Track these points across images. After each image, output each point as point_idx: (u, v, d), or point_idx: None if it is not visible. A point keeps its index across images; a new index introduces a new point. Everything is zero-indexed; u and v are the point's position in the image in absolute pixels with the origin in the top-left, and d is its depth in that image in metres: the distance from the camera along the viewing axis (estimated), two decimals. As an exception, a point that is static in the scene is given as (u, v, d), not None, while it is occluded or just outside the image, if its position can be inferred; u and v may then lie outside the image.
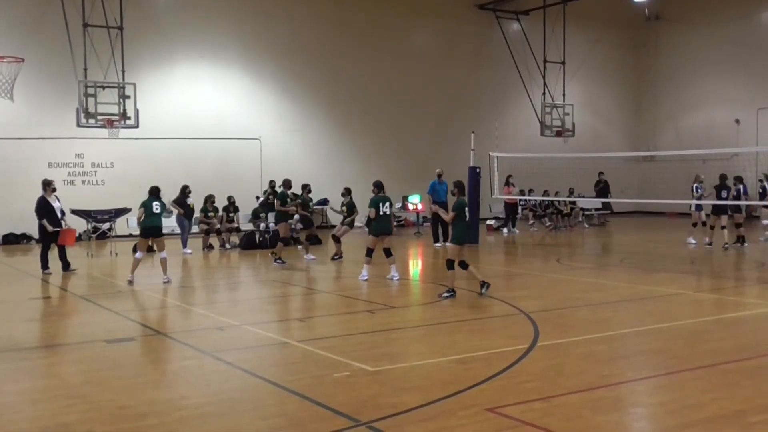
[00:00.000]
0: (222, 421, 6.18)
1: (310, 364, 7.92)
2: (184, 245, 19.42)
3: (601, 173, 28.08)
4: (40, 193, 15.58)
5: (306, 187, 18.28)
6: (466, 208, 12.07)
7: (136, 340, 9.30)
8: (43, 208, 15.31)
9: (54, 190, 15.72)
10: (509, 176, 24.48)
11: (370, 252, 13.93)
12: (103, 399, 6.77)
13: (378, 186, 14.25)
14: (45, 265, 15.37)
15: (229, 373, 7.65)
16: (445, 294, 11.81)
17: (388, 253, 13.77)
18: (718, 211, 18.96)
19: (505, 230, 24.48)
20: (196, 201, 20.57)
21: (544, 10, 29.15)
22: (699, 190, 19.75)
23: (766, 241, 20.21)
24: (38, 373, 7.85)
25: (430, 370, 7.61)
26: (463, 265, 12.08)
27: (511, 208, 24.74)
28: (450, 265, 11.89)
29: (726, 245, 18.63)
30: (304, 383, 7.10)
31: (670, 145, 32.24)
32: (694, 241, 19.73)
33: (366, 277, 13.72)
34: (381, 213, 13.82)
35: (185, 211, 19.56)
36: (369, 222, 14.91)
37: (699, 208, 19.78)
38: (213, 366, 7.94)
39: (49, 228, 15.21)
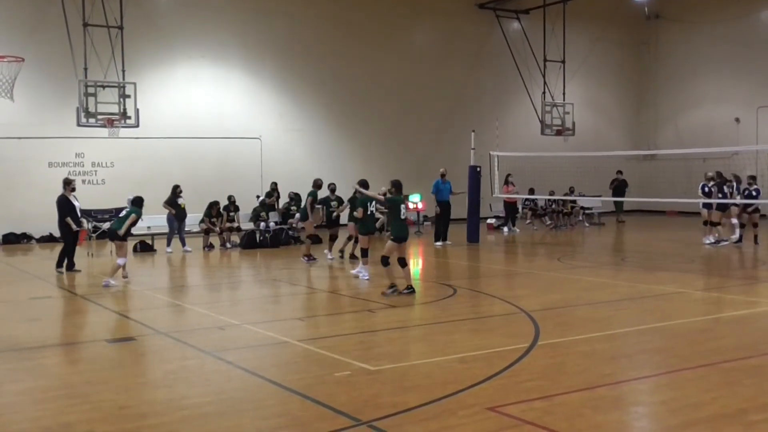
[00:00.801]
0: (223, 420, 6.17)
1: (311, 364, 7.92)
2: (168, 244, 19.43)
3: (619, 172, 27.79)
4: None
5: (329, 186, 18.08)
6: (402, 206, 12.25)
7: (137, 339, 9.29)
8: (66, 207, 15.33)
9: (73, 189, 15.74)
10: (508, 175, 24.46)
11: (365, 252, 13.98)
12: (104, 399, 6.77)
13: (365, 185, 14.23)
14: (61, 263, 15.38)
15: (230, 373, 7.64)
16: (389, 291, 11.92)
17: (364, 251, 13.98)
18: (720, 208, 18.96)
19: (505, 229, 24.48)
20: (199, 203, 20.61)
21: (544, 9, 29.12)
22: (706, 188, 19.70)
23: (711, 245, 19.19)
24: (39, 372, 7.84)
25: (431, 369, 7.60)
26: (402, 263, 12.16)
27: (511, 207, 24.73)
28: (384, 261, 12.01)
29: (713, 242, 18.82)
30: (305, 383, 7.10)
31: (671, 143, 32.24)
32: (710, 240, 19.47)
33: (367, 277, 13.74)
34: (368, 212, 13.89)
35: (176, 212, 19.51)
36: (356, 220, 15.06)
37: (707, 206, 19.61)
38: (214, 365, 7.95)
39: (74, 227, 15.23)
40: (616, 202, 27.42)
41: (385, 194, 17.36)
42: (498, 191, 22.94)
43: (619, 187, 27.69)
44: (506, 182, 24.26)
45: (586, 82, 32.11)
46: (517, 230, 24.58)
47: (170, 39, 24.37)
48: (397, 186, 12.53)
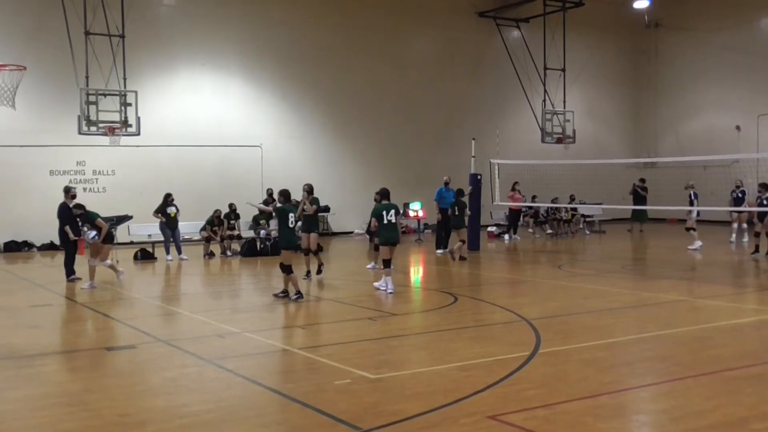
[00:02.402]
0: (223, 428, 6.16)
1: (311, 372, 7.90)
2: (167, 252, 19.40)
3: (642, 180, 27.26)
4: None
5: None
6: (291, 215, 12.60)
7: (137, 347, 9.27)
8: (66, 215, 15.31)
9: (74, 196, 15.72)
10: (515, 183, 24.47)
11: (388, 263, 13.38)
12: (103, 406, 6.76)
13: (382, 194, 14.00)
14: (71, 271, 15.34)
15: (230, 381, 7.62)
16: (281, 294, 12.56)
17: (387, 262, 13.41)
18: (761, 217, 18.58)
19: (506, 237, 24.44)
20: (200, 210, 20.59)
21: (544, 17, 29.17)
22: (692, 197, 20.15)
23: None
24: (39, 380, 7.83)
25: (432, 377, 7.58)
26: (288, 270, 12.54)
27: (515, 214, 24.73)
28: (286, 269, 12.43)
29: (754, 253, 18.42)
30: (305, 391, 7.08)
31: (671, 151, 32.22)
32: (695, 246, 19.81)
33: (391, 290, 13.15)
34: (385, 222, 13.54)
35: (166, 220, 19.49)
36: (369, 230, 14.87)
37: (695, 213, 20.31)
38: (213, 373, 7.93)
39: (72, 236, 15.20)
40: (633, 211, 26.89)
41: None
42: (498, 199, 22.92)
43: (638, 197, 26.88)
44: (513, 189, 24.27)
45: (587, 90, 32.15)
46: (518, 238, 24.56)
47: (171, 47, 24.44)
48: (285, 196, 12.85)
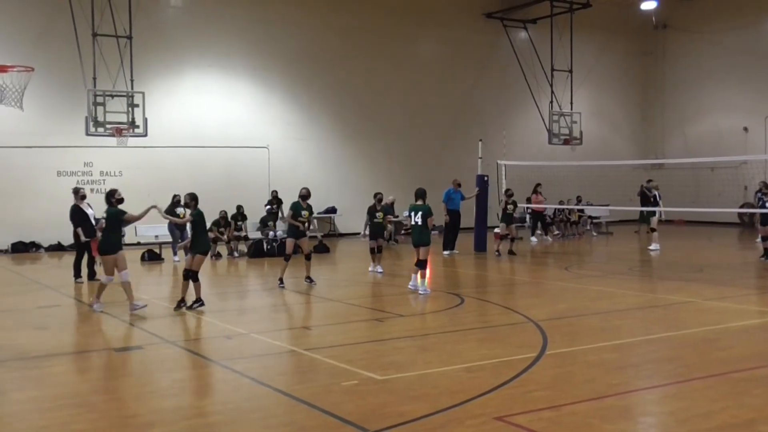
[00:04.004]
0: (230, 429, 6.17)
1: (318, 373, 7.91)
2: (174, 253, 19.43)
3: (649, 180, 26.95)
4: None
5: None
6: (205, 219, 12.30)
7: (144, 348, 9.30)
8: (76, 216, 15.34)
9: (83, 197, 15.72)
10: (538, 185, 24.44)
11: (417, 263, 13.51)
12: (111, 408, 6.78)
13: (415, 194, 13.96)
14: (77, 273, 15.39)
15: (237, 382, 7.64)
16: (195, 304, 11.80)
17: (417, 263, 13.43)
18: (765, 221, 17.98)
19: (547, 237, 24.43)
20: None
21: (552, 18, 29.14)
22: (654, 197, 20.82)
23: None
24: (46, 381, 7.85)
25: (438, 378, 7.59)
26: (188, 275, 11.98)
27: (537, 216, 24.68)
28: (194, 276, 11.89)
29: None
30: (312, 392, 7.09)
31: (679, 152, 32.18)
32: (656, 247, 20.33)
33: (413, 285, 13.43)
34: (412, 223, 13.56)
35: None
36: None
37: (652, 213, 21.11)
38: (221, 375, 7.95)
39: (83, 238, 15.19)
40: (641, 212, 26.67)
41: (376, 206, 17.42)
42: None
43: (644, 198, 26.60)
44: (535, 191, 24.25)
45: (594, 91, 32.10)
46: (535, 240, 24.21)
47: (178, 49, 24.50)
48: (196, 200, 12.33)
